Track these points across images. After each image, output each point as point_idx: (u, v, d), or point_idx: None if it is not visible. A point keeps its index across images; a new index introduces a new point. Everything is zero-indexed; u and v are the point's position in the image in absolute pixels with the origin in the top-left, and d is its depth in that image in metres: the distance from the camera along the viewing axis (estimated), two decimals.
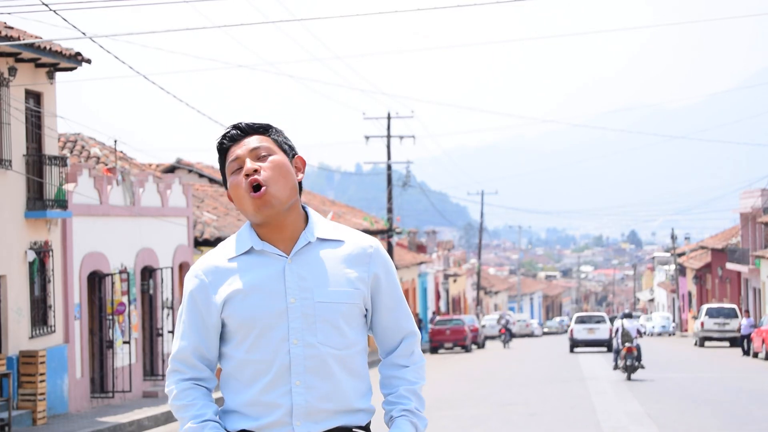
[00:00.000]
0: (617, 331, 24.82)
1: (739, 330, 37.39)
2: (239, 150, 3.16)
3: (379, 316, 3.26)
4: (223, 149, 3.21)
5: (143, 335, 22.12)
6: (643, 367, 24.03)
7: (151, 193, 22.28)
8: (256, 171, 3.09)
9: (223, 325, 3.16)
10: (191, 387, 3.17)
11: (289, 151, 3.22)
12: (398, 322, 3.28)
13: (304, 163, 3.25)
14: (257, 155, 3.13)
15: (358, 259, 3.18)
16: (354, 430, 3.14)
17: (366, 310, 3.23)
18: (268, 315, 3.08)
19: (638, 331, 24.55)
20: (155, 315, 22.52)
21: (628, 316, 25.94)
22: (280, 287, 3.10)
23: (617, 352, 24.46)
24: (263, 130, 3.21)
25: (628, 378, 23.50)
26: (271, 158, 3.13)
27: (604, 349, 38.76)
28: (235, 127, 3.21)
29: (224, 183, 3.23)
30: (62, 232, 18.87)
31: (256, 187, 3.09)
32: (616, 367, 24.75)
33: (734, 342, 40.21)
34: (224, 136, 3.21)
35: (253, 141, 3.17)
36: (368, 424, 3.20)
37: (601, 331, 39.25)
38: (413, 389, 3.25)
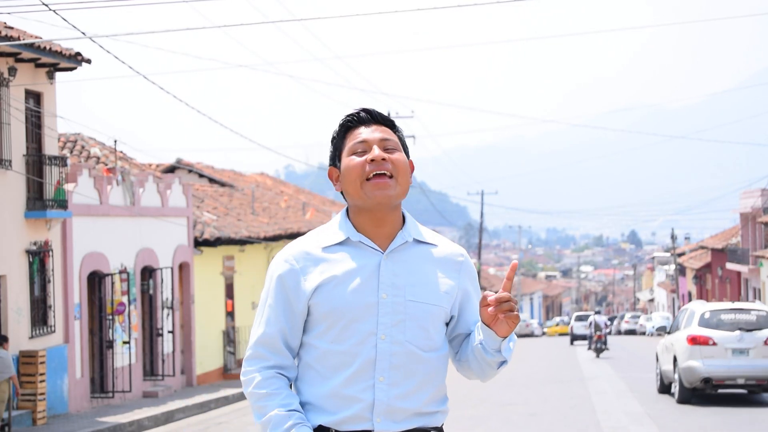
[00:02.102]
0: (591, 324, 34.85)
1: None
2: (368, 135, 3.15)
3: (467, 324, 3.24)
4: (347, 127, 3.20)
5: (143, 335, 22.12)
6: (608, 348, 34.54)
7: (151, 193, 22.28)
8: (384, 160, 3.09)
9: (307, 314, 3.13)
10: (275, 376, 3.11)
11: (407, 152, 3.23)
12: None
13: (413, 168, 3.26)
14: (385, 146, 3.13)
15: (449, 265, 3.19)
16: (431, 431, 3.13)
17: (451, 317, 3.22)
18: (357, 307, 3.06)
19: (605, 324, 34.41)
20: (155, 315, 22.52)
21: (598, 313, 37.75)
22: (374, 281, 3.08)
23: (590, 338, 35.09)
24: (391, 124, 3.22)
25: (597, 356, 33.17)
26: (397, 153, 3.14)
27: None
28: (366, 110, 3.20)
29: (333, 160, 3.22)
30: (62, 232, 18.87)
31: (378, 176, 3.09)
32: (589, 348, 35.65)
33: None
34: (352, 115, 3.20)
35: (384, 132, 3.17)
36: (443, 425, 3.20)
37: None
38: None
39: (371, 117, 3.18)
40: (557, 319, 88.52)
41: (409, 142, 45.47)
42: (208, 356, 25.43)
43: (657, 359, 19.56)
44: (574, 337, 49.29)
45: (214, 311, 26.05)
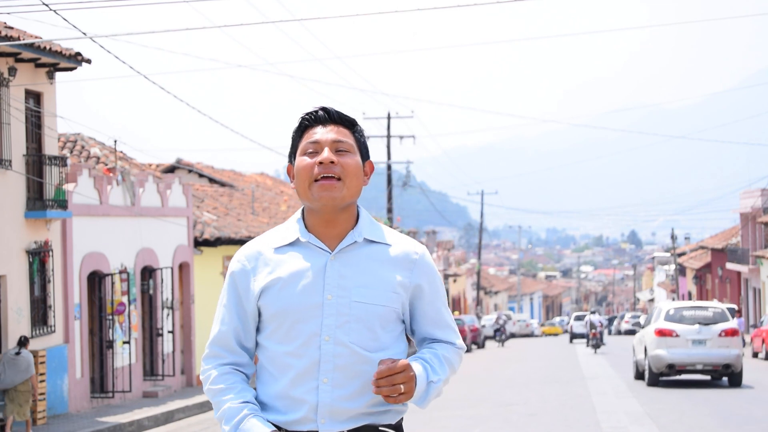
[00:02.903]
0: (587, 323, 40.60)
1: None
2: (322, 135, 3.13)
3: (418, 325, 3.22)
4: (305, 126, 3.18)
5: (143, 335, 22.11)
6: (604, 344, 40.06)
7: (151, 193, 22.27)
8: (332, 162, 3.07)
9: (259, 314, 3.14)
10: (231, 371, 3.15)
11: (365, 154, 3.20)
12: (436, 333, 3.23)
13: (372, 169, 3.23)
14: (337, 148, 3.11)
15: (402, 264, 3.15)
16: (381, 428, 3.10)
17: (405, 316, 3.20)
18: (302, 308, 3.06)
19: (600, 323, 39.59)
20: (155, 315, 22.51)
21: (594, 313, 43.29)
22: (319, 282, 3.07)
23: (587, 336, 40.46)
24: (349, 124, 3.18)
25: (594, 352, 37.53)
26: (349, 156, 3.11)
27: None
28: (324, 109, 3.18)
29: (290, 157, 3.20)
30: (62, 232, 18.87)
31: (326, 179, 3.08)
32: (587, 345, 40.76)
33: None
34: (309, 114, 3.18)
35: (338, 132, 3.14)
36: (400, 422, 3.16)
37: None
38: (437, 353, 3.19)
39: (329, 116, 3.16)
40: (557, 319, 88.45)
41: (408, 142, 45.41)
42: None
43: (633, 350, 23.08)
44: (573, 336, 53.87)
45: (214, 311, 26.01)
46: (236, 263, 3.17)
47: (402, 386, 2.98)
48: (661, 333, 20.59)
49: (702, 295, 57.73)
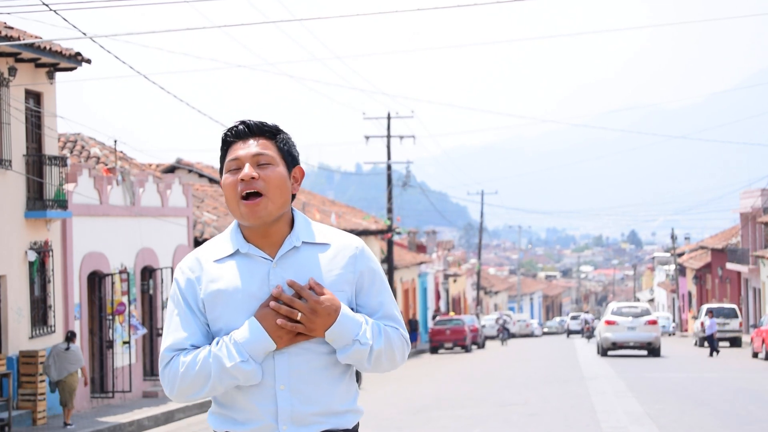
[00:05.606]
0: (582, 320, 55.76)
1: (703, 330, 37.56)
2: (242, 151, 3.09)
3: (363, 308, 3.18)
4: (226, 142, 3.15)
5: (143, 335, 22.11)
6: (594, 336, 44.63)
7: (151, 193, 22.28)
8: (253, 178, 3.04)
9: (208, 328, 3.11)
10: (195, 351, 3.06)
11: (291, 161, 3.16)
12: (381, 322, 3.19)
13: (302, 174, 3.20)
14: (258, 162, 3.08)
15: (344, 260, 3.13)
16: None
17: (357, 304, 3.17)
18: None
19: (592, 320, 54.60)
20: (155, 315, 22.52)
21: (587, 312, 66.58)
22: (265, 290, 3.05)
23: (582, 330, 54.70)
24: (270, 134, 3.14)
25: (588, 341, 49.49)
26: (270, 169, 3.08)
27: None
28: (243, 123, 3.14)
29: (221, 173, 3.18)
30: (62, 232, 18.87)
31: (250, 195, 3.05)
32: (581, 337, 54.91)
33: (734, 342, 40.20)
34: (230, 130, 3.15)
35: (258, 145, 3.10)
36: (356, 426, 3.15)
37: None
38: (378, 324, 3.12)
39: (249, 130, 3.12)
40: (557, 319, 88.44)
41: (408, 141, 45.35)
42: None
43: (596, 336, 35.08)
44: (570, 332, 65.72)
45: None
46: (181, 275, 3.12)
47: (300, 315, 2.98)
48: (608, 322, 32.54)
49: (702, 295, 57.70)
